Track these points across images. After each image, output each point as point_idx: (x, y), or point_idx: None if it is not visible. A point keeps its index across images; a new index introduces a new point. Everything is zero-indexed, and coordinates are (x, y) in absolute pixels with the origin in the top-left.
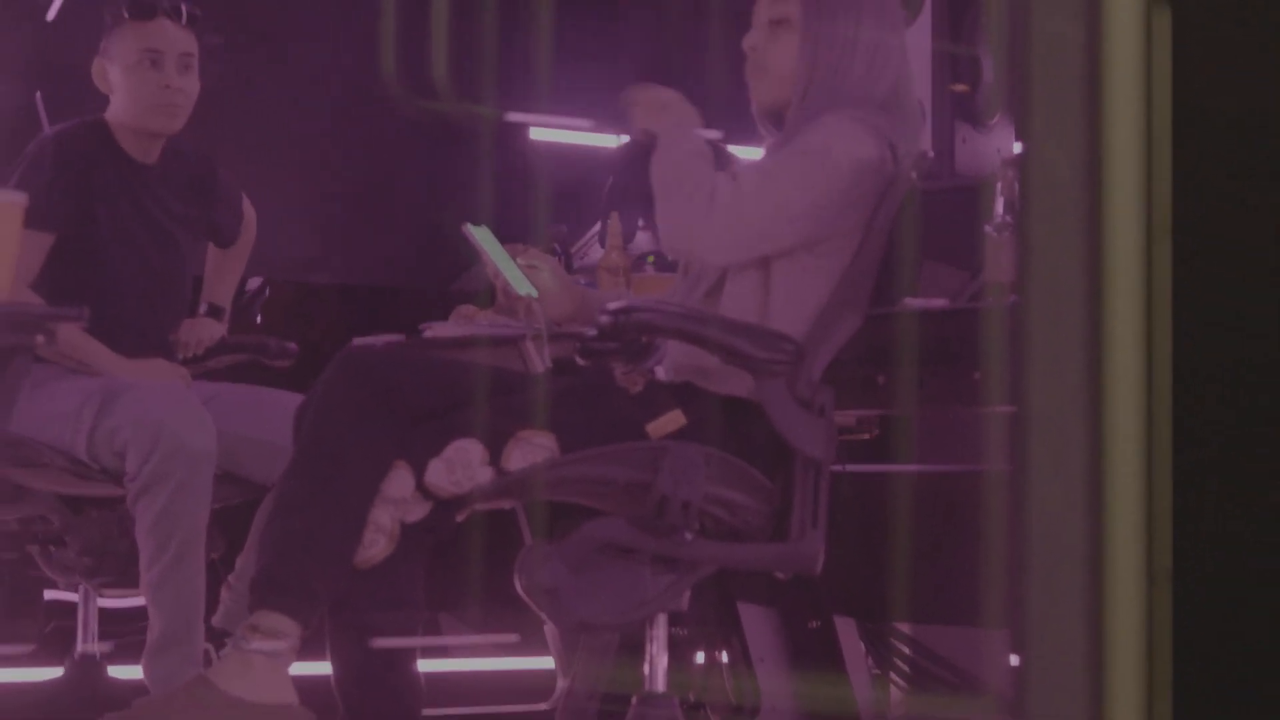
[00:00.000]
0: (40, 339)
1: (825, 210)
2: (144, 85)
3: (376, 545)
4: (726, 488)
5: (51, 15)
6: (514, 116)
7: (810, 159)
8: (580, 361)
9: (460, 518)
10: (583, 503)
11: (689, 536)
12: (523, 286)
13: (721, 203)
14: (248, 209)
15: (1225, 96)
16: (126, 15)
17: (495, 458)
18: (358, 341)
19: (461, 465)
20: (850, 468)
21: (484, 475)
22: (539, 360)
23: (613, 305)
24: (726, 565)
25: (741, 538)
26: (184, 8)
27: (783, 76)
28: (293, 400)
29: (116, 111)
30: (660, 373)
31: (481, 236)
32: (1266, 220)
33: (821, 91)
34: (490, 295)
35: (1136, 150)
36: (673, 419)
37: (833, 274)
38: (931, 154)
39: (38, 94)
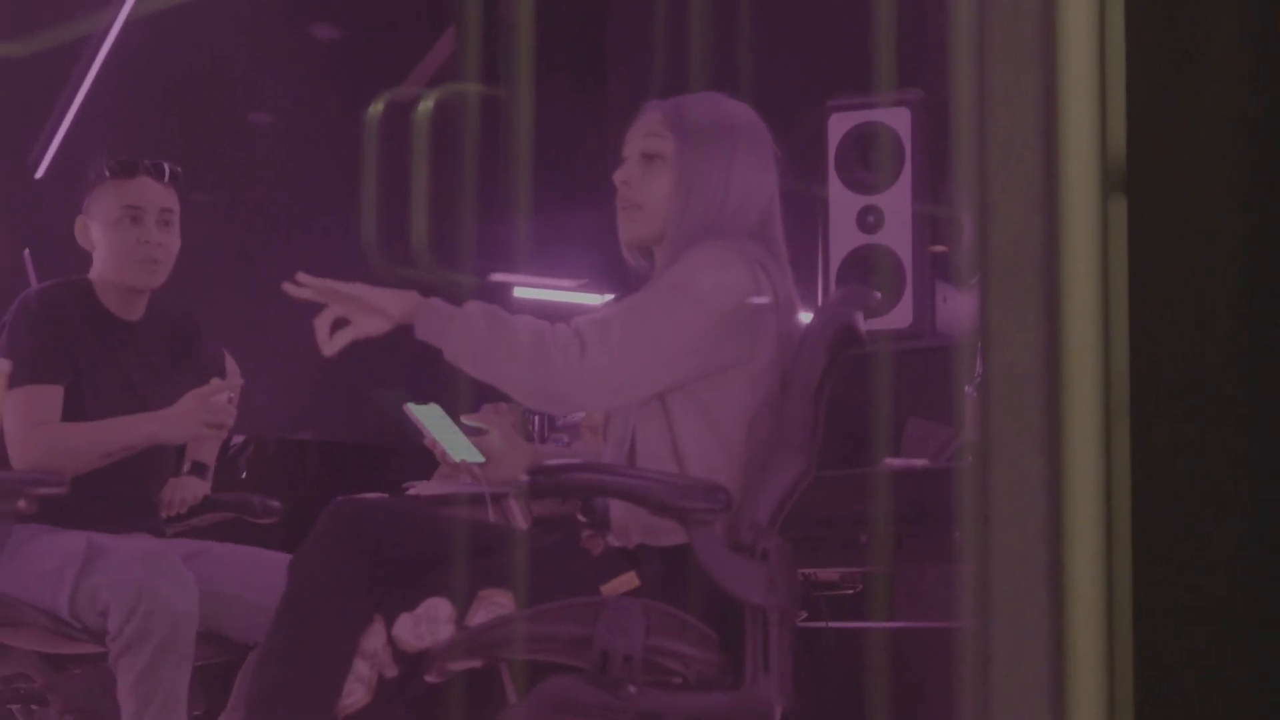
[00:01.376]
0: (21, 504)
1: (701, 340)
2: (124, 240)
3: (355, 694)
4: (670, 639)
5: (40, 174)
6: (497, 277)
7: (676, 291)
8: (581, 519)
9: (430, 678)
10: (545, 660)
11: (633, 690)
12: (458, 453)
13: (593, 349)
14: (232, 369)
15: (1178, 271)
16: (108, 174)
17: (462, 616)
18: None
19: (428, 621)
20: (834, 625)
21: (447, 632)
22: (521, 518)
23: (536, 465)
24: (685, 716)
25: (700, 689)
26: (165, 166)
27: (655, 211)
28: (276, 559)
29: (99, 268)
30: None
31: (422, 413)
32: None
33: (693, 226)
34: None
35: (1094, 337)
36: (627, 580)
37: (741, 409)
38: (879, 295)
39: (25, 251)
